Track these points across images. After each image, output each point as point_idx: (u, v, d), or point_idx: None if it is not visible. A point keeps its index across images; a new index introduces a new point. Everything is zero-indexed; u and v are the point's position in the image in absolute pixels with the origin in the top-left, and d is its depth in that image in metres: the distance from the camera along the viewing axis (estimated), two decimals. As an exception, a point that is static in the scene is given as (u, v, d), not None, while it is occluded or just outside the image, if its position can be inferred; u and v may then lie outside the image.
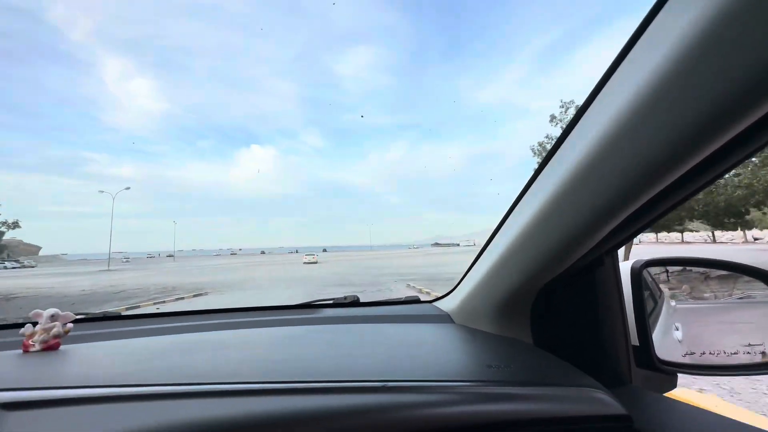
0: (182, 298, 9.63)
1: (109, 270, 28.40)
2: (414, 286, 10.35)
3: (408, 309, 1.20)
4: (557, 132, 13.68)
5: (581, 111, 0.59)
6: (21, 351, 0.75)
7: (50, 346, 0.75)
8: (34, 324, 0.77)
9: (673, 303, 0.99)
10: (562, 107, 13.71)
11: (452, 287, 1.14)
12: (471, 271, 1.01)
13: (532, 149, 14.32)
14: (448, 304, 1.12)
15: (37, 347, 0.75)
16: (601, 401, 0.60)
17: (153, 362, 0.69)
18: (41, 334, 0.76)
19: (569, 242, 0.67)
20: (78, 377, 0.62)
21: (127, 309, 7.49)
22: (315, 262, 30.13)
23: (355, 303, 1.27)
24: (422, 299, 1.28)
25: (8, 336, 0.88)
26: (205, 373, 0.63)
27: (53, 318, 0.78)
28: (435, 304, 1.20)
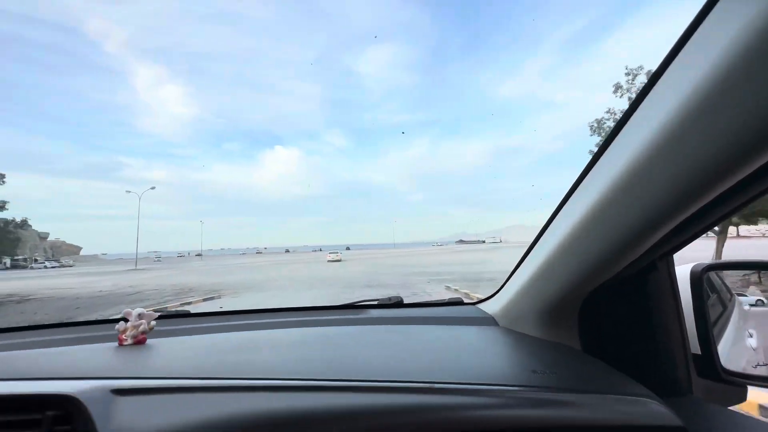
0: (189, 303, 8.68)
1: (136, 269, 28.71)
2: (457, 289, 8.84)
3: (451, 311, 1.19)
4: (622, 104, 11.68)
5: (633, 106, 0.55)
6: (117, 344, 0.86)
7: (139, 341, 0.86)
8: (126, 321, 0.89)
9: (746, 307, 0.93)
10: (629, 74, 11.57)
11: (496, 289, 1.12)
12: (516, 273, 0.97)
13: (590, 126, 12.34)
14: (492, 307, 1.10)
15: (129, 341, 0.86)
16: (654, 411, 0.58)
17: (224, 357, 0.76)
18: (132, 330, 0.87)
19: (620, 246, 0.64)
20: (165, 369, 0.70)
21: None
22: (339, 260, 29.56)
23: (398, 304, 1.27)
24: (465, 301, 1.28)
25: (103, 330, 0.99)
26: (269, 368, 0.69)
27: (140, 316, 0.90)
28: (479, 306, 1.19)
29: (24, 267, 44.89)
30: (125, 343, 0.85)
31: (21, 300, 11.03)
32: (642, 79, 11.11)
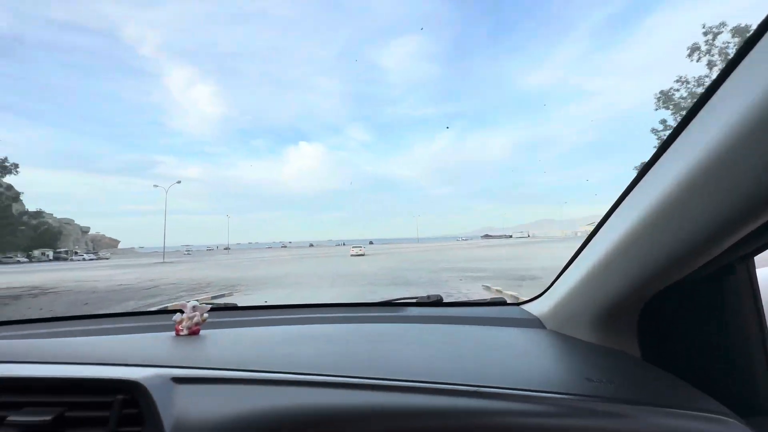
0: (168, 308, 7.95)
1: (163, 263, 29.18)
2: (500, 290, 7.61)
3: (494, 311, 1.14)
4: (698, 70, 9.84)
5: (720, 79, 0.48)
6: (174, 334, 0.92)
7: (193, 332, 0.92)
8: (182, 312, 0.94)
9: None
10: (707, 34, 9.68)
11: (542, 289, 1.06)
12: (567, 271, 0.92)
13: (657, 98, 10.55)
14: (538, 308, 1.05)
15: (185, 332, 0.91)
16: (733, 431, 0.52)
17: (271, 350, 0.80)
18: (187, 322, 0.92)
19: (694, 245, 0.56)
20: (218, 360, 0.73)
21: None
22: (362, 255, 29.19)
23: (438, 303, 1.24)
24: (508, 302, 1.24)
25: (160, 320, 1.08)
26: (314, 364, 0.70)
27: (194, 309, 0.94)
28: (523, 307, 1.14)
29: (65, 259, 47.27)
30: (181, 333, 0.91)
31: (39, 293, 10.88)
32: (725, 38, 9.28)
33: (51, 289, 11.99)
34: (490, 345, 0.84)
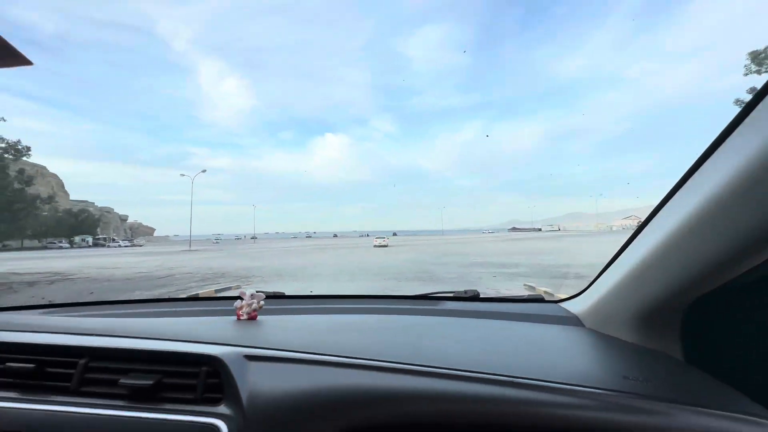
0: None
1: (190, 250, 29.59)
2: (547, 291, 6.34)
3: (531, 308, 1.14)
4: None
5: None
6: (235, 318, 1.03)
7: (251, 317, 1.03)
8: (241, 299, 1.04)
9: None
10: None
11: (583, 287, 1.06)
12: (608, 271, 0.91)
13: (749, 58, 8.62)
14: (577, 307, 1.05)
15: (245, 317, 1.02)
16: None
17: (322, 336, 0.87)
18: (246, 308, 1.03)
19: (743, 247, 0.55)
20: (277, 342, 0.80)
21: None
22: (385, 245, 28.61)
23: (474, 298, 1.27)
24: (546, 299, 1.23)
25: (223, 305, 1.23)
26: (360, 349, 0.76)
27: (252, 296, 1.05)
28: (562, 305, 1.14)
29: (103, 245, 49.60)
30: (242, 318, 1.02)
31: (57, 280, 10.72)
32: None
33: (70, 276, 11.88)
34: (527, 340, 0.86)
